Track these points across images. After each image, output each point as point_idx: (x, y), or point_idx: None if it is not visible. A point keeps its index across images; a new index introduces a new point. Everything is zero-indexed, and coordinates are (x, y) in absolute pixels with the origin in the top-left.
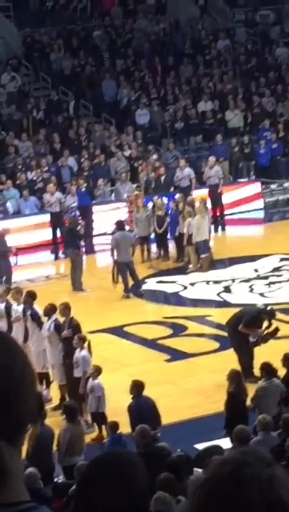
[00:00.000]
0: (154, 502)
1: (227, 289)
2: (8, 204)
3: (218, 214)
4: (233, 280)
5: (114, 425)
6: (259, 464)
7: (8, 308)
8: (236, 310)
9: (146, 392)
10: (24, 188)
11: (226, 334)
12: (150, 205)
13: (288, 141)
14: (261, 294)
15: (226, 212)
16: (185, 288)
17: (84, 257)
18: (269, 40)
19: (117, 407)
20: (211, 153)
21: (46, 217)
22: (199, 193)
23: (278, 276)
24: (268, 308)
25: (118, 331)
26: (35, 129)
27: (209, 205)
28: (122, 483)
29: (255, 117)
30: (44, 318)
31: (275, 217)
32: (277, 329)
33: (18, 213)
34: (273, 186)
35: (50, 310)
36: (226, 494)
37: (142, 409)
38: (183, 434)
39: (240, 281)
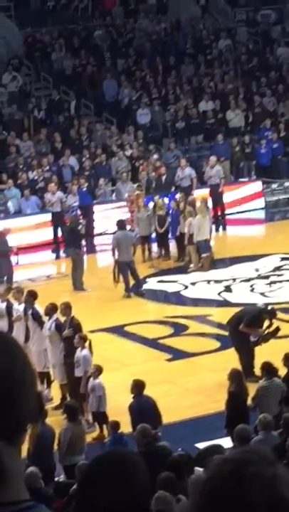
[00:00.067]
0: (155, 501)
1: (228, 289)
2: (10, 203)
3: (219, 214)
4: (234, 280)
5: (115, 425)
6: (262, 463)
7: (9, 308)
8: (237, 309)
9: (147, 392)
10: (25, 187)
11: (226, 334)
12: (151, 204)
13: None
14: (262, 294)
15: (226, 211)
16: (186, 287)
17: (85, 257)
18: (270, 39)
19: (118, 406)
20: (212, 153)
21: (47, 217)
22: (200, 193)
23: (279, 275)
24: (269, 307)
25: (119, 331)
26: (36, 128)
27: (210, 204)
28: (123, 483)
29: (256, 117)
30: (45, 318)
31: (275, 217)
32: (278, 329)
33: (19, 213)
34: (274, 186)
35: (51, 309)
36: (228, 493)
37: (143, 408)
38: (184, 434)
39: (241, 281)
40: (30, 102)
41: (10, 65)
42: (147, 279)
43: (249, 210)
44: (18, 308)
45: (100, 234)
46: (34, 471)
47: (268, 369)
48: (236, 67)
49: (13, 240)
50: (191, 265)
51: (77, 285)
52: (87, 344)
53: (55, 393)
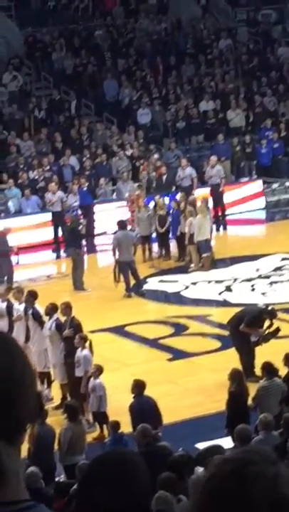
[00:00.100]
0: (155, 501)
1: (228, 289)
2: (10, 203)
3: (219, 213)
4: (235, 280)
5: (116, 424)
6: (264, 463)
7: (9, 308)
8: (238, 309)
9: (147, 392)
10: (26, 187)
11: (227, 334)
12: (152, 204)
13: None
14: (263, 294)
15: (227, 211)
16: (186, 287)
17: (85, 257)
18: (271, 39)
19: (119, 406)
20: (213, 153)
21: (48, 217)
22: (201, 193)
23: (280, 275)
24: (269, 307)
25: (119, 331)
26: (36, 128)
27: (211, 204)
28: (124, 483)
29: (257, 117)
30: (45, 318)
31: (276, 217)
32: (278, 329)
33: (19, 212)
34: (275, 186)
35: (51, 309)
36: (230, 492)
37: (144, 408)
38: (184, 434)
39: (242, 281)
40: (30, 102)
41: (10, 65)
42: (148, 279)
43: (250, 210)
44: (19, 308)
45: (101, 234)
46: (34, 471)
47: (269, 369)
48: (237, 67)
49: (13, 240)
50: (192, 265)
51: (78, 285)
52: (87, 344)
53: (55, 393)
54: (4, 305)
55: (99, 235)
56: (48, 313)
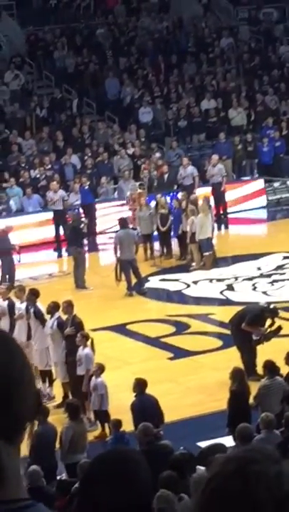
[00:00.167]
0: (156, 500)
1: (230, 287)
2: (12, 202)
3: (221, 212)
4: (236, 278)
5: (117, 423)
6: (266, 461)
7: (11, 306)
8: (239, 308)
9: (149, 390)
10: (27, 185)
11: (228, 332)
12: (153, 203)
13: None
14: (264, 292)
15: (228, 210)
16: (188, 286)
17: (87, 255)
18: (272, 38)
19: (120, 405)
20: (214, 152)
21: (49, 215)
22: (202, 191)
23: (281, 274)
24: (271, 306)
25: (121, 329)
26: (38, 127)
27: (212, 203)
28: (125, 481)
29: (259, 115)
30: (47, 316)
31: (278, 216)
32: (280, 327)
33: (21, 211)
34: (276, 184)
35: (53, 308)
36: (234, 492)
37: (145, 407)
38: (185, 432)
39: (243, 280)
40: (32, 101)
41: (12, 64)
42: (149, 278)
43: (251, 209)
44: (20, 306)
45: (102, 232)
46: (36, 470)
47: (270, 368)
48: (238, 66)
49: (15, 239)
50: (193, 264)
51: (79, 283)
52: (89, 342)
53: (57, 391)
54: (6, 303)
55: (100, 233)
56: (50, 312)
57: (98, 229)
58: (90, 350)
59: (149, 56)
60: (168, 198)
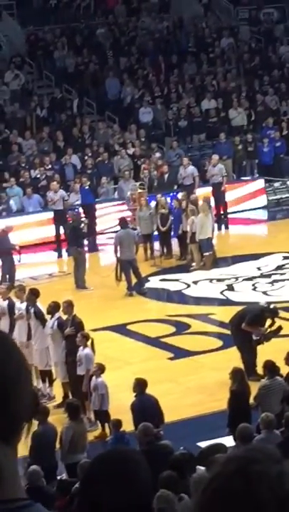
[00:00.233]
0: (156, 500)
1: (230, 287)
2: (12, 202)
3: (221, 212)
4: (236, 278)
5: (117, 423)
6: (268, 461)
7: (11, 306)
8: (239, 308)
9: (149, 390)
10: (28, 185)
11: (229, 332)
12: (153, 203)
13: None
14: (264, 292)
15: (229, 210)
16: (188, 286)
17: (87, 255)
18: (273, 38)
19: (120, 405)
20: (215, 152)
21: (49, 215)
22: (203, 191)
23: (281, 274)
24: (271, 306)
25: (121, 329)
26: (38, 127)
27: (212, 203)
28: (125, 481)
29: (259, 115)
30: (47, 316)
31: (278, 216)
32: (280, 327)
33: (21, 211)
34: (277, 184)
35: (53, 308)
36: (236, 491)
37: (145, 407)
38: (186, 432)
39: (244, 280)
40: (32, 101)
41: (12, 64)
42: (149, 278)
43: (251, 209)
44: (21, 306)
45: (102, 232)
46: (36, 470)
47: (270, 368)
48: (239, 66)
49: (15, 238)
50: (193, 264)
51: (80, 283)
52: (89, 343)
53: (57, 391)
54: (6, 303)
55: (101, 233)
56: (50, 312)
57: (98, 229)
58: (90, 351)
59: (150, 56)
60: (168, 199)
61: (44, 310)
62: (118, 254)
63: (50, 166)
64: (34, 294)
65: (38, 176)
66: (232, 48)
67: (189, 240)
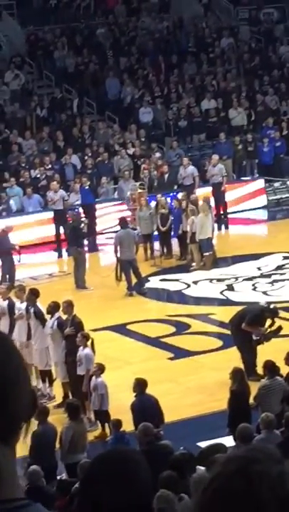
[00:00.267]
0: (156, 500)
1: (230, 287)
2: (12, 202)
3: (221, 212)
4: (236, 278)
5: (117, 423)
6: (268, 461)
7: (11, 306)
8: (239, 308)
9: (149, 390)
10: (28, 185)
11: (229, 332)
12: (153, 203)
13: None
14: (264, 293)
15: (229, 210)
16: (188, 286)
17: (87, 255)
18: (273, 38)
19: (120, 405)
20: (215, 152)
21: (49, 215)
22: (203, 191)
23: (281, 274)
24: (271, 306)
25: (121, 329)
26: (38, 126)
27: (212, 203)
28: (125, 481)
29: (259, 115)
30: (47, 316)
31: (278, 216)
32: (280, 327)
33: (21, 211)
34: (277, 184)
35: (53, 308)
36: (237, 492)
37: (145, 407)
38: (186, 432)
39: (244, 280)
40: (32, 101)
41: (12, 63)
42: (149, 278)
43: (251, 209)
44: (20, 306)
45: (102, 232)
46: (36, 470)
47: (270, 368)
48: (239, 66)
49: (15, 238)
50: (194, 264)
51: (80, 283)
52: (89, 343)
53: (57, 391)
54: (6, 303)
55: (101, 233)
56: (50, 312)
57: (98, 229)
58: (90, 350)
59: (150, 56)
60: (168, 199)
61: (44, 310)
62: (118, 254)
63: (50, 166)
64: (34, 294)
65: (38, 175)
66: (232, 48)
67: (189, 240)
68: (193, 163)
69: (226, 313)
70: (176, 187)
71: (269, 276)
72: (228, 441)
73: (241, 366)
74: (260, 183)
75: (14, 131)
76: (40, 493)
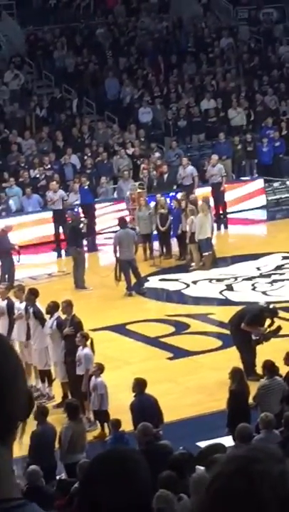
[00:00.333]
0: (156, 500)
1: (229, 287)
2: (11, 202)
3: (220, 212)
4: (236, 278)
5: (117, 423)
6: (269, 460)
7: (10, 306)
8: (239, 308)
9: (148, 390)
10: (27, 185)
11: (228, 332)
12: (153, 204)
13: None
14: (264, 292)
15: (228, 210)
16: (187, 286)
17: (86, 255)
18: (272, 38)
19: (120, 404)
20: (214, 152)
21: (49, 215)
22: (202, 191)
23: (281, 274)
24: (270, 306)
25: (120, 329)
26: (38, 126)
27: (212, 203)
28: (125, 481)
29: (258, 115)
30: (46, 316)
31: (277, 216)
32: (279, 327)
33: (20, 211)
34: (276, 184)
35: (52, 308)
36: (238, 491)
37: (144, 407)
38: (185, 432)
39: (243, 280)
40: (32, 100)
41: (12, 63)
42: (149, 278)
43: (251, 209)
44: (20, 306)
45: (101, 232)
46: (35, 470)
47: (270, 368)
48: (238, 66)
49: (14, 238)
50: (193, 264)
51: (79, 283)
52: (88, 342)
53: (56, 391)
54: (5, 303)
55: (100, 233)
56: (49, 312)
57: (97, 229)
58: (90, 350)
59: (149, 56)
60: (167, 199)
61: (43, 310)
62: (117, 254)
63: (49, 166)
64: (33, 293)
65: (38, 175)
66: (231, 48)
67: (189, 240)
68: (193, 163)
69: (225, 313)
70: (175, 187)
71: (268, 276)
72: (228, 441)
73: (241, 366)
74: (259, 183)
75: (14, 131)
76: (40, 493)
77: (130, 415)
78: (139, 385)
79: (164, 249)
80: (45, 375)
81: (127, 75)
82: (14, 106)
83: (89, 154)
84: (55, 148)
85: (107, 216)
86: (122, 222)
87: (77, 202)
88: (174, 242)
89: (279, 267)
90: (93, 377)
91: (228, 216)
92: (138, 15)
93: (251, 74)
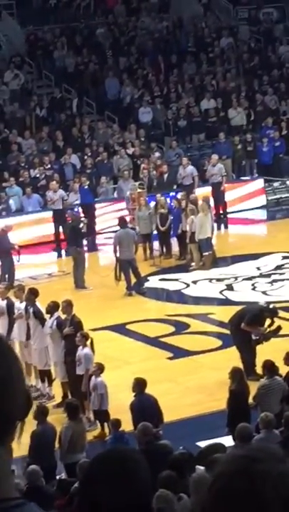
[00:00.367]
0: (156, 500)
1: (229, 287)
2: (11, 201)
3: (220, 212)
4: (236, 278)
5: (117, 423)
6: (270, 460)
7: (10, 306)
8: (239, 308)
9: (148, 390)
10: (27, 185)
11: (228, 332)
12: (153, 203)
13: None
14: (264, 292)
15: (228, 210)
16: (187, 286)
17: (86, 255)
18: (272, 38)
19: (120, 404)
20: (214, 151)
21: (49, 215)
22: (202, 191)
23: (281, 274)
24: (271, 306)
25: (120, 329)
26: (38, 126)
27: (212, 203)
28: (125, 480)
29: (258, 115)
30: (46, 316)
31: (277, 216)
32: (279, 327)
33: (20, 211)
34: (276, 184)
35: (52, 307)
36: (240, 491)
37: (144, 406)
38: (185, 432)
39: (243, 279)
40: (32, 100)
41: (12, 63)
42: (149, 278)
43: (251, 209)
44: (20, 306)
45: (101, 232)
46: (35, 469)
47: (270, 367)
48: (238, 66)
49: (14, 238)
50: (193, 263)
51: (79, 283)
52: (88, 342)
53: (56, 391)
54: (5, 303)
55: (100, 233)
56: (49, 312)
57: (98, 229)
58: (90, 350)
59: (149, 56)
60: (168, 198)
61: (43, 310)
62: (117, 254)
63: (49, 166)
64: (33, 293)
65: (38, 175)
66: (231, 47)
67: (189, 240)
68: (193, 162)
69: (225, 313)
70: (175, 187)
71: (268, 276)
72: (228, 440)
73: (241, 366)
74: (259, 182)
75: (14, 131)
76: (40, 492)
77: (130, 415)
78: (139, 384)
79: (164, 249)
80: (45, 375)
81: (127, 75)
82: (14, 106)
83: (89, 154)
84: (55, 148)
85: (107, 216)
86: (122, 222)
87: (77, 202)
88: (174, 241)
89: (279, 267)
90: (93, 377)
91: (228, 216)
92: (138, 15)
93: (251, 74)
